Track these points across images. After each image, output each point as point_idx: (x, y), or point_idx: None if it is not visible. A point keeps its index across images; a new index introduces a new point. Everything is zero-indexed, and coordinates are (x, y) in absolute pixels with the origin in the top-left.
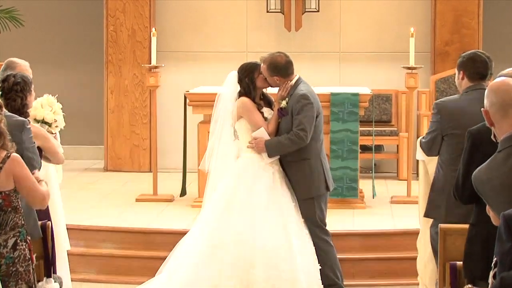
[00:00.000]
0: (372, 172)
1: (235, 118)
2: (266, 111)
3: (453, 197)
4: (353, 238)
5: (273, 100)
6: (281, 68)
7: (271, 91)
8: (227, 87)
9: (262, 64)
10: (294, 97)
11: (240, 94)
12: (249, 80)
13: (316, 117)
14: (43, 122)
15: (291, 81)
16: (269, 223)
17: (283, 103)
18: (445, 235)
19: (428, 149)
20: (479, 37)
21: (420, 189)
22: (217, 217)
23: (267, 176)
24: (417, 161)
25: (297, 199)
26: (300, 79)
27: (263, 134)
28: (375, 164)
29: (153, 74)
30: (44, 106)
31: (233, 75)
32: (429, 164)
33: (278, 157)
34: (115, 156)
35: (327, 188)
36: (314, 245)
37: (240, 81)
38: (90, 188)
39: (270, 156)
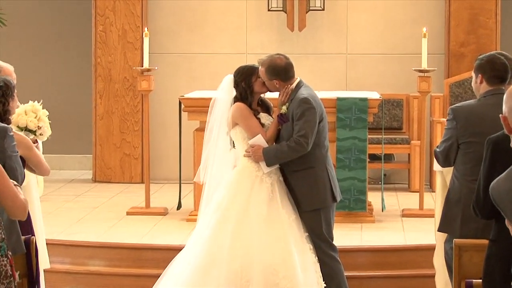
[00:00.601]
0: (381, 183)
1: (230, 125)
2: (264, 117)
3: (471, 211)
4: (361, 254)
5: (272, 105)
6: (280, 71)
7: (270, 96)
8: (223, 91)
9: (260, 67)
10: (294, 102)
11: (236, 100)
12: (245, 84)
13: (320, 122)
14: (27, 129)
15: (291, 85)
16: (268, 237)
17: (283, 109)
18: (461, 251)
19: (443, 159)
20: (497, 37)
21: (437, 203)
22: (212, 232)
23: (265, 187)
24: (432, 172)
25: (301, 211)
26: (302, 83)
27: (260, 141)
28: (385, 175)
29: (145, 77)
30: (28, 113)
31: (229, 79)
32: (448, 176)
33: (277, 166)
34: (104, 166)
35: (334, 199)
36: (320, 261)
37: (236, 85)
38: (77, 201)
39: (268, 165)
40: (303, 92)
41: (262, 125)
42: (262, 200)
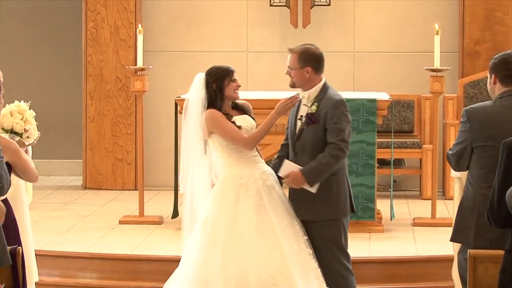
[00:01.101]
0: (391, 190)
1: (205, 132)
2: (240, 119)
3: (485, 219)
4: (369, 266)
5: (249, 107)
6: (314, 58)
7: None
8: (194, 92)
9: (290, 56)
10: (328, 103)
11: (208, 104)
12: (216, 87)
13: None
14: (12, 132)
15: (320, 81)
16: (261, 248)
17: (313, 108)
18: (476, 262)
19: (456, 163)
20: None
21: (455, 211)
22: (202, 253)
23: (251, 195)
24: (446, 178)
25: (319, 220)
26: (327, 83)
27: (292, 167)
28: (394, 181)
29: (139, 77)
30: (14, 114)
31: (200, 78)
32: None
33: (264, 170)
34: (95, 172)
35: (352, 209)
36: (336, 273)
37: (206, 86)
38: (66, 209)
39: (313, 185)
40: (335, 93)
41: (239, 127)
42: (250, 209)
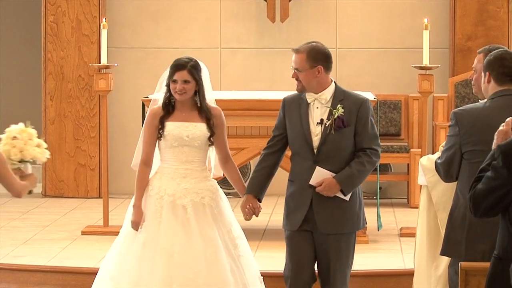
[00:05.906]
0: (376, 198)
1: None
2: (172, 126)
3: (476, 231)
4: (353, 280)
5: (216, 113)
6: (324, 55)
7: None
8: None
9: (294, 56)
10: (355, 103)
11: None
12: (168, 80)
13: None
14: (23, 161)
15: (330, 80)
16: (141, 267)
17: (341, 110)
18: (468, 276)
19: (446, 172)
20: (509, 29)
21: (421, 222)
22: (115, 260)
23: (153, 210)
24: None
25: (336, 233)
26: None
27: (324, 173)
28: (380, 188)
29: (103, 75)
30: (28, 142)
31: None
32: (434, 190)
33: (183, 186)
34: (56, 178)
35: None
36: None
37: None
38: (24, 218)
39: (348, 193)
40: (355, 92)
41: (160, 137)
42: (145, 224)
